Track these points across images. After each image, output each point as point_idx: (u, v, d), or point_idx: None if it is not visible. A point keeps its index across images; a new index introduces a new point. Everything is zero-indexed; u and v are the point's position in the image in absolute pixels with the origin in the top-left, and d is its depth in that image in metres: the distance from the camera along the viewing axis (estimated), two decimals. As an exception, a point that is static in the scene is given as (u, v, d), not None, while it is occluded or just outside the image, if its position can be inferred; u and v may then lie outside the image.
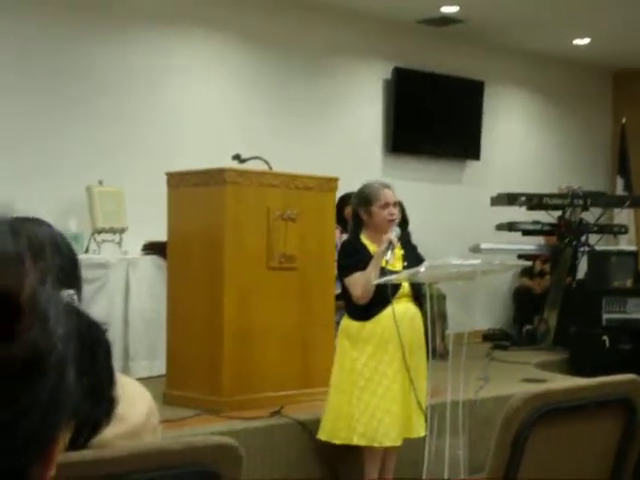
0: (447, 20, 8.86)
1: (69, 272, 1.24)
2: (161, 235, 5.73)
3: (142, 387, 1.61)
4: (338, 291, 6.13)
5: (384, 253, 4.32)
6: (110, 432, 1.39)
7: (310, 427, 4.82)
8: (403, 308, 4.41)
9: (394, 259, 4.43)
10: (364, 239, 4.54)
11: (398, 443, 4.45)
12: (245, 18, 7.90)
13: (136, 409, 1.53)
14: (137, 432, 1.51)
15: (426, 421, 4.36)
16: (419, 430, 4.43)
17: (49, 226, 1.33)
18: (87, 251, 6.55)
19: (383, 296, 4.33)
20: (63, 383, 0.62)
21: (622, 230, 9.27)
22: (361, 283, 4.39)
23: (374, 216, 4.49)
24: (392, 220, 4.49)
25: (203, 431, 4.40)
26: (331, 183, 5.60)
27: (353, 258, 4.51)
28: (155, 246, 6.44)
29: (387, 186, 4.59)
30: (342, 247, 4.85)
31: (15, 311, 0.57)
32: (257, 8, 7.95)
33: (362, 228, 4.56)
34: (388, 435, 4.40)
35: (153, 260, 6.48)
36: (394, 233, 4.39)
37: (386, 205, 4.49)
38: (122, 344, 6.19)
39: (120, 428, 1.46)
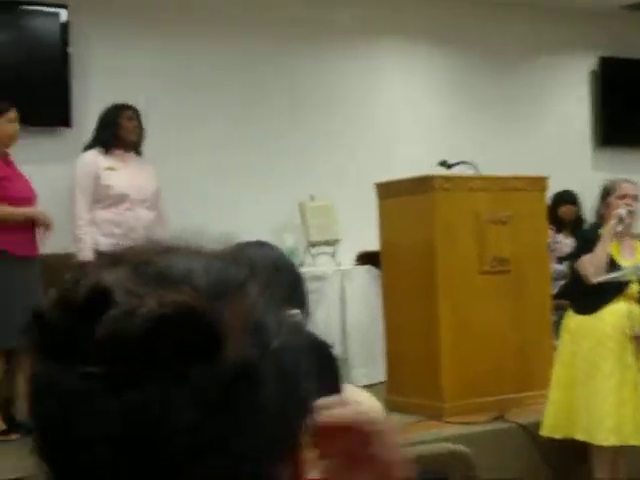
0: (653, 3, 8.50)
1: (292, 291, 1.29)
2: (373, 245, 5.84)
3: (373, 398, 1.68)
4: (554, 291, 6.03)
5: (613, 228, 4.38)
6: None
7: (534, 431, 4.76)
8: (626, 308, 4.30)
9: (634, 253, 4.46)
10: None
11: (613, 443, 4.26)
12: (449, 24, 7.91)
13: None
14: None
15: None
16: None
17: (270, 247, 1.39)
18: (303, 265, 6.78)
19: (609, 292, 4.31)
20: (290, 392, 0.65)
21: None
22: (591, 261, 4.41)
23: (611, 207, 4.54)
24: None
25: (427, 437, 4.43)
26: (541, 183, 5.52)
27: (587, 243, 4.55)
28: (368, 256, 6.56)
29: (629, 181, 4.66)
30: (580, 234, 5.07)
31: (221, 332, 0.61)
32: (449, 10, 7.95)
33: (602, 224, 4.58)
34: (601, 433, 4.26)
35: (367, 270, 6.61)
36: (624, 210, 4.42)
37: (624, 196, 4.54)
38: (341, 353, 6.34)
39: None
